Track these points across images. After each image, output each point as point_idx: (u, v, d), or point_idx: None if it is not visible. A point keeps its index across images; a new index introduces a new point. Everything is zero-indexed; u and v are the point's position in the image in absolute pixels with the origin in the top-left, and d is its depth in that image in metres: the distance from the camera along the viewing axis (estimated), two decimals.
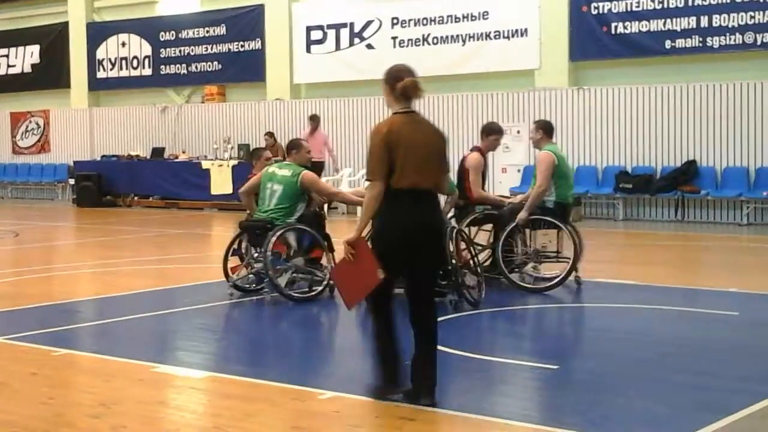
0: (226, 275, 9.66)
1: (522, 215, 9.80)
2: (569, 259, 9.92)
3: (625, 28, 17.66)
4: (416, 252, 5.67)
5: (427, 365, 5.74)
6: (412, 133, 5.72)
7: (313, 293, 9.36)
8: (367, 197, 5.70)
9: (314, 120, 19.56)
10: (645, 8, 17.44)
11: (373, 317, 5.92)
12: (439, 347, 7.17)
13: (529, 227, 10.02)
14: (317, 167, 17.04)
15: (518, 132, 18.44)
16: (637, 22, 17.53)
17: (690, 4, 16.97)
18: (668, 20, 17.21)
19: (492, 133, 10.59)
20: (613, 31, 17.78)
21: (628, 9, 17.62)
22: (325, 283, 9.38)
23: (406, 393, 5.73)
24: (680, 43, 17.15)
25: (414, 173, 5.65)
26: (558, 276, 9.83)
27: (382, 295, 5.78)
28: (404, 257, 5.67)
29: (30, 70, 26.82)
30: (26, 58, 26.86)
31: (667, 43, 17.26)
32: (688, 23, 17.03)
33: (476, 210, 10.15)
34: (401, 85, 5.83)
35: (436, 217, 5.84)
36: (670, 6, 17.18)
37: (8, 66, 27.27)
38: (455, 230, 8.97)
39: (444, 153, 5.91)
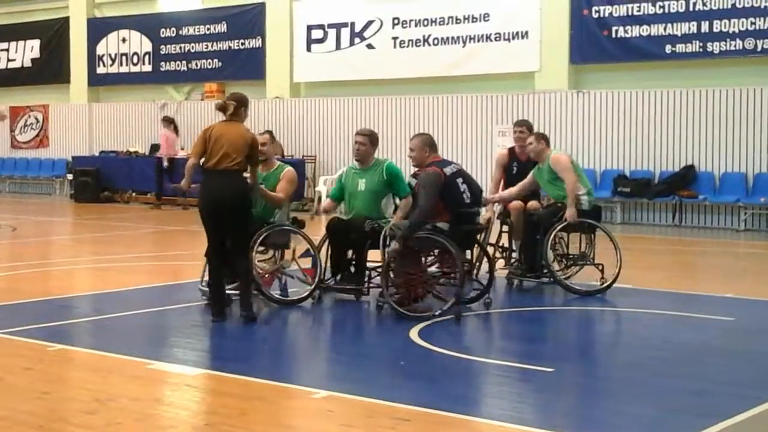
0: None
1: (571, 212, 9.72)
2: (601, 264, 9.96)
3: (625, 32, 17.67)
4: (220, 211, 8.20)
5: (243, 290, 8.30)
6: (221, 133, 8.30)
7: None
8: (186, 166, 8.52)
9: (169, 121, 21.62)
10: (646, 12, 17.45)
11: (209, 266, 8.42)
12: (434, 348, 7.21)
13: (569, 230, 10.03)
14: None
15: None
16: (637, 27, 17.54)
17: (691, 9, 16.99)
18: (669, 25, 17.22)
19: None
20: (613, 35, 17.79)
21: (629, 13, 17.62)
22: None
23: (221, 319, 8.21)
24: (680, 47, 17.16)
25: (216, 158, 8.19)
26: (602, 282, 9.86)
27: (213, 250, 8.29)
28: (213, 214, 8.23)
29: (30, 65, 26.81)
30: (26, 52, 26.85)
31: (668, 48, 17.27)
32: (689, 28, 17.04)
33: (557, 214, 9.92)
34: (215, 106, 8.75)
35: (233, 188, 8.25)
36: (671, 11, 17.19)
37: (8, 60, 27.27)
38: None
39: (246, 146, 8.30)
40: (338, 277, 9.20)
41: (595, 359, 7.20)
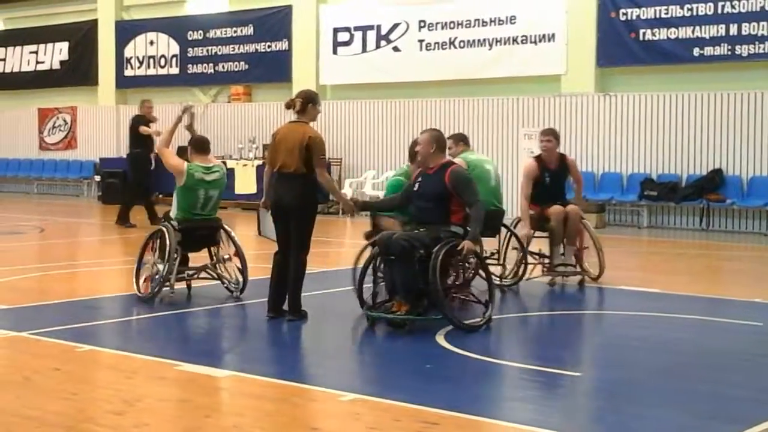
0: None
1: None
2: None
3: (653, 34, 17.59)
4: (281, 213, 8.41)
5: (290, 292, 8.43)
6: (282, 137, 8.41)
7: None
8: (265, 175, 8.73)
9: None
10: (674, 15, 17.36)
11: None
12: (461, 352, 7.19)
13: None
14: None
15: None
16: (665, 29, 17.45)
17: (719, 12, 16.89)
18: (697, 28, 17.12)
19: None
20: (641, 38, 17.71)
21: (657, 16, 17.54)
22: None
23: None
24: (708, 50, 17.06)
25: (279, 163, 8.34)
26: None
27: (279, 249, 8.55)
28: (275, 215, 8.48)
29: (59, 67, 27.02)
30: (55, 54, 27.06)
31: (696, 51, 17.17)
32: (717, 31, 16.93)
33: None
34: (284, 104, 8.67)
35: (290, 191, 8.31)
36: (699, 13, 17.09)
37: (37, 62, 27.49)
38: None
39: (302, 148, 8.22)
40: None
41: (622, 364, 7.16)
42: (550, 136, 10.61)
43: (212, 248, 9.76)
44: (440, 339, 7.60)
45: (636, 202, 17.68)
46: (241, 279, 9.62)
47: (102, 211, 21.84)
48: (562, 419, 5.69)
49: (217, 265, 9.73)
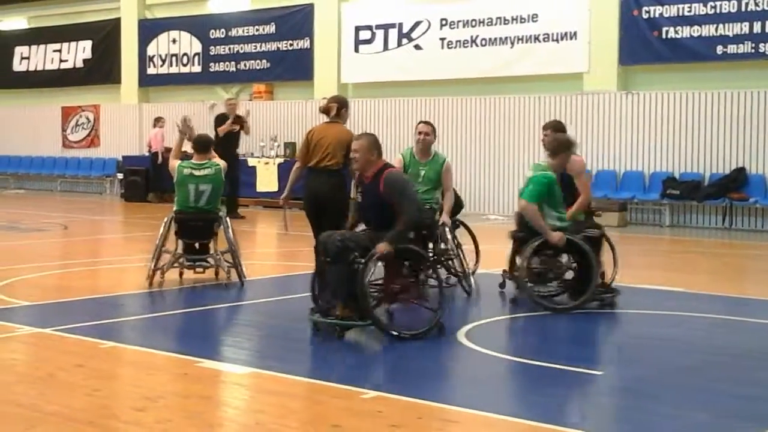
0: None
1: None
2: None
3: (676, 32, 17.50)
4: (319, 206, 8.85)
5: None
6: (322, 135, 9.01)
7: None
8: (291, 171, 9.26)
9: (159, 121, 23.33)
10: (697, 13, 17.26)
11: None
12: (482, 350, 7.19)
13: None
14: (157, 156, 22.60)
15: None
16: (688, 27, 17.36)
17: (743, 9, 16.78)
18: (720, 26, 17.02)
19: None
20: (663, 36, 17.63)
21: (680, 14, 17.45)
22: None
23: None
24: (732, 48, 16.96)
25: (317, 158, 8.92)
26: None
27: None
28: (312, 209, 8.90)
29: (82, 65, 27.17)
30: (78, 53, 27.21)
31: (719, 49, 17.07)
32: (741, 29, 16.83)
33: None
34: (319, 109, 9.52)
35: (330, 184, 8.85)
36: (723, 11, 16.99)
37: (60, 61, 27.66)
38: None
39: (344, 147, 8.76)
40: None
41: (644, 362, 7.13)
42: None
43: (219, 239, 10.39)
44: (461, 337, 7.61)
45: (658, 201, 17.60)
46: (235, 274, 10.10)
47: (124, 208, 21.95)
48: (583, 418, 5.68)
49: (218, 256, 10.22)
